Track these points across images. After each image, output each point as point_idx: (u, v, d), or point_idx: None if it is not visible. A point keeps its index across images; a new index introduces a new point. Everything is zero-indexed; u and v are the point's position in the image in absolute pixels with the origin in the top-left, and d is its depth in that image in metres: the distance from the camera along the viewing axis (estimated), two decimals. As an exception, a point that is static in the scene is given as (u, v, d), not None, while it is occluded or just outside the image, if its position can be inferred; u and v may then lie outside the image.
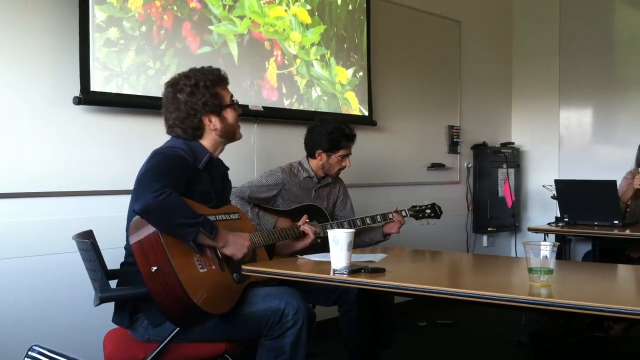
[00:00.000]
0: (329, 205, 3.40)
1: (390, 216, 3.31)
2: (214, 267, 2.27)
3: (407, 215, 3.37)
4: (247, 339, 2.41)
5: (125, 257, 2.40)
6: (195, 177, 2.37)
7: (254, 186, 3.20)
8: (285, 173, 3.26)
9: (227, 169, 2.65)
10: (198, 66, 2.52)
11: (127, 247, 2.35)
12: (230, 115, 2.48)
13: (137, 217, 2.20)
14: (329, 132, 3.28)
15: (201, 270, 2.21)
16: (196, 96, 2.39)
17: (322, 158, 3.31)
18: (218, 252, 2.31)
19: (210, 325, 2.29)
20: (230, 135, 2.50)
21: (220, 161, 2.60)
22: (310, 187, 3.34)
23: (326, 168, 3.34)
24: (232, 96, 2.51)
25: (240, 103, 2.60)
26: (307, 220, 2.82)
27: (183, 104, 2.39)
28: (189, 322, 2.22)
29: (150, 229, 2.16)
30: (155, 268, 2.11)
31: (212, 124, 2.43)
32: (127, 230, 2.29)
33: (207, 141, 2.46)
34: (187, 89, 2.39)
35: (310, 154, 3.34)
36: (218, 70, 2.50)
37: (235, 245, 2.31)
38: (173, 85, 2.43)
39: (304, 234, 2.77)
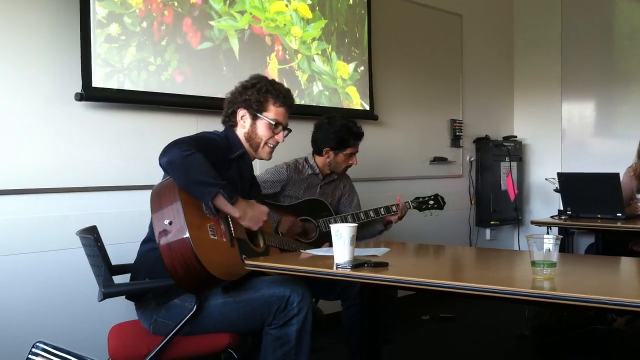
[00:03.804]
0: (333, 200, 3.39)
1: (394, 209, 3.31)
2: (224, 239, 2.27)
3: (410, 207, 3.37)
4: (251, 330, 2.40)
5: (147, 235, 2.42)
6: (224, 163, 2.40)
7: (259, 182, 3.19)
8: (291, 169, 3.25)
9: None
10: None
11: (150, 224, 2.38)
12: (262, 127, 2.52)
13: (159, 183, 2.26)
14: (337, 129, 3.27)
15: (211, 237, 2.21)
16: (246, 91, 2.52)
17: (329, 155, 3.30)
18: (231, 228, 2.32)
19: (215, 309, 2.29)
20: (253, 145, 2.53)
21: (252, 169, 2.63)
22: (315, 183, 3.33)
23: (333, 166, 3.33)
24: (280, 121, 2.53)
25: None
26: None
27: (235, 91, 2.55)
28: (193, 284, 2.18)
29: (172, 190, 2.18)
30: (168, 221, 2.12)
31: (243, 121, 2.52)
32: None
33: (240, 136, 2.52)
34: (245, 83, 2.55)
35: (317, 151, 3.33)
36: (287, 91, 2.59)
37: (253, 217, 2.32)
38: (247, 78, 2.60)
39: None
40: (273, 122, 2.51)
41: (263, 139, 2.52)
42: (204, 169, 2.19)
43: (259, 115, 2.50)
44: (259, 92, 2.50)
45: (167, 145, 2.24)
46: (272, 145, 2.55)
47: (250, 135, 2.51)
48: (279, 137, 2.55)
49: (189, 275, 2.13)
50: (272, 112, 2.52)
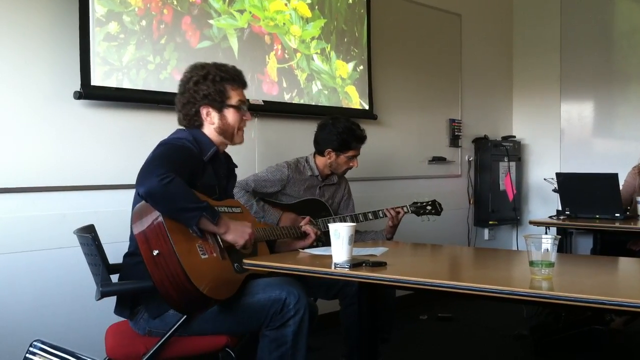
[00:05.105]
0: (333, 203, 3.40)
1: (391, 212, 3.31)
2: (215, 254, 2.27)
3: (408, 212, 3.37)
4: (248, 331, 2.40)
5: (129, 248, 2.40)
6: (199, 168, 2.37)
7: (259, 180, 3.20)
8: (292, 169, 3.26)
9: (235, 166, 2.65)
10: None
11: (132, 237, 2.34)
12: (231, 115, 2.45)
13: (140, 204, 2.21)
14: (340, 131, 3.27)
15: (202, 257, 2.21)
16: (200, 86, 2.41)
17: (330, 157, 3.31)
18: (219, 240, 2.31)
19: (211, 316, 2.28)
20: (228, 135, 2.48)
21: (229, 157, 2.60)
22: (314, 184, 3.34)
23: (334, 167, 3.34)
24: (242, 100, 2.48)
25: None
26: (310, 220, 2.81)
27: (187, 91, 2.43)
28: (190, 308, 2.20)
29: (153, 215, 2.15)
30: (157, 252, 2.11)
31: (210, 118, 2.44)
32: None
33: (209, 134, 2.46)
34: (195, 78, 2.43)
35: (319, 152, 3.34)
36: (236, 70, 2.50)
37: (237, 232, 2.30)
38: (188, 72, 2.47)
39: (305, 234, 2.82)
40: (240, 106, 2.47)
41: (235, 126, 2.47)
42: (184, 194, 2.15)
43: (223, 104, 2.44)
44: (214, 83, 2.41)
45: (142, 172, 2.17)
46: (244, 127, 2.52)
47: (222, 128, 2.45)
48: (247, 115, 2.51)
49: (187, 299, 2.14)
50: (234, 97, 2.46)
